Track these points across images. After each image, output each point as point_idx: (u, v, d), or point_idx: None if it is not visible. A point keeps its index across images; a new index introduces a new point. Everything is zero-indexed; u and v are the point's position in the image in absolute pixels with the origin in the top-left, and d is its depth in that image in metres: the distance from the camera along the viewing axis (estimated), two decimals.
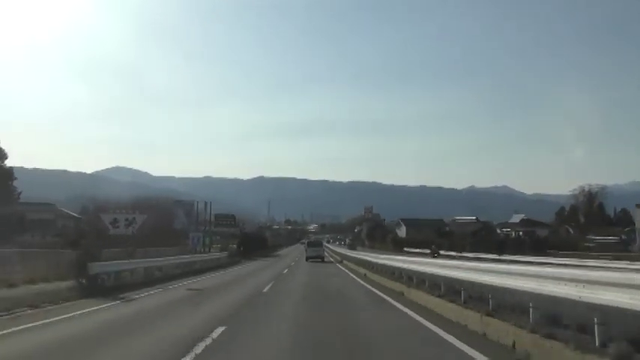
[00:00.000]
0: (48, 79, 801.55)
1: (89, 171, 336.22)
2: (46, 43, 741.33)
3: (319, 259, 43.22)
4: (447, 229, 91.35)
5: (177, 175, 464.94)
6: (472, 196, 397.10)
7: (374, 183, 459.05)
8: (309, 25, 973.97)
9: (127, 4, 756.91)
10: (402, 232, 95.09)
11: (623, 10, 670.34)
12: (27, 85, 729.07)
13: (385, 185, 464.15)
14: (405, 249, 66.40)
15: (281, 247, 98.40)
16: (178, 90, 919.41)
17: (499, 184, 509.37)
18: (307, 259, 43.88)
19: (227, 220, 71.36)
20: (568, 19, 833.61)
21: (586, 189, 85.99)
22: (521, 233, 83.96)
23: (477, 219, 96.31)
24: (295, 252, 74.77)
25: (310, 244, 50.21)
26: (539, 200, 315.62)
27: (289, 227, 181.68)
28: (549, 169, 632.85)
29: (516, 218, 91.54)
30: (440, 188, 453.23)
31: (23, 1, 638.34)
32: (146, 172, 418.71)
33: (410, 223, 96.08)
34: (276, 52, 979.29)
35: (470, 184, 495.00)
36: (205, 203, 58.23)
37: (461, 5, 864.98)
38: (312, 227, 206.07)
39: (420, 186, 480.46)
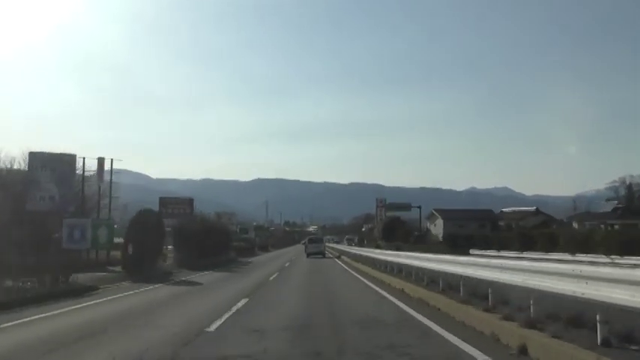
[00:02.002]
0: (45, 82, 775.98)
1: (87, 173, 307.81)
2: (42, 44, 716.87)
3: (320, 255, 42.92)
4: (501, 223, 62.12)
5: (176, 177, 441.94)
6: (472, 198, 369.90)
7: (374, 185, 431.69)
8: (309, 26, 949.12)
9: (121, 5, 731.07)
10: (437, 227, 64.84)
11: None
12: (23, 88, 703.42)
13: (385, 187, 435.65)
14: (472, 251, 36.08)
15: (266, 249, 66.49)
16: (177, 92, 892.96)
17: (499, 185, 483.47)
18: (308, 255, 43.89)
19: (179, 205, 41.74)
20: (567, 20, 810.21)
21: (627, 181, 64.77)
22: (616, 227, 55.44)
23: (537, 209, 66.55)
24: (284, 257, 44.74)
25: (311, 241, 49.81)
26: (540, 201, 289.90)
27: (287, 229, 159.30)
28: (550, 170, 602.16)
29: (607, 206, 61.39)
30: (440, 189, 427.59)
31: (16, 2, 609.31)
32: (145, 175, 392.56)
33: (448, 215, 65.27)
34: (276, 53, 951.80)
35: (470, 186, 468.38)
36: (111, 161, 28.10)
37: (460, 6, 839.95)
38: (312, 229, 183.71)
39: (420, 187, 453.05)
